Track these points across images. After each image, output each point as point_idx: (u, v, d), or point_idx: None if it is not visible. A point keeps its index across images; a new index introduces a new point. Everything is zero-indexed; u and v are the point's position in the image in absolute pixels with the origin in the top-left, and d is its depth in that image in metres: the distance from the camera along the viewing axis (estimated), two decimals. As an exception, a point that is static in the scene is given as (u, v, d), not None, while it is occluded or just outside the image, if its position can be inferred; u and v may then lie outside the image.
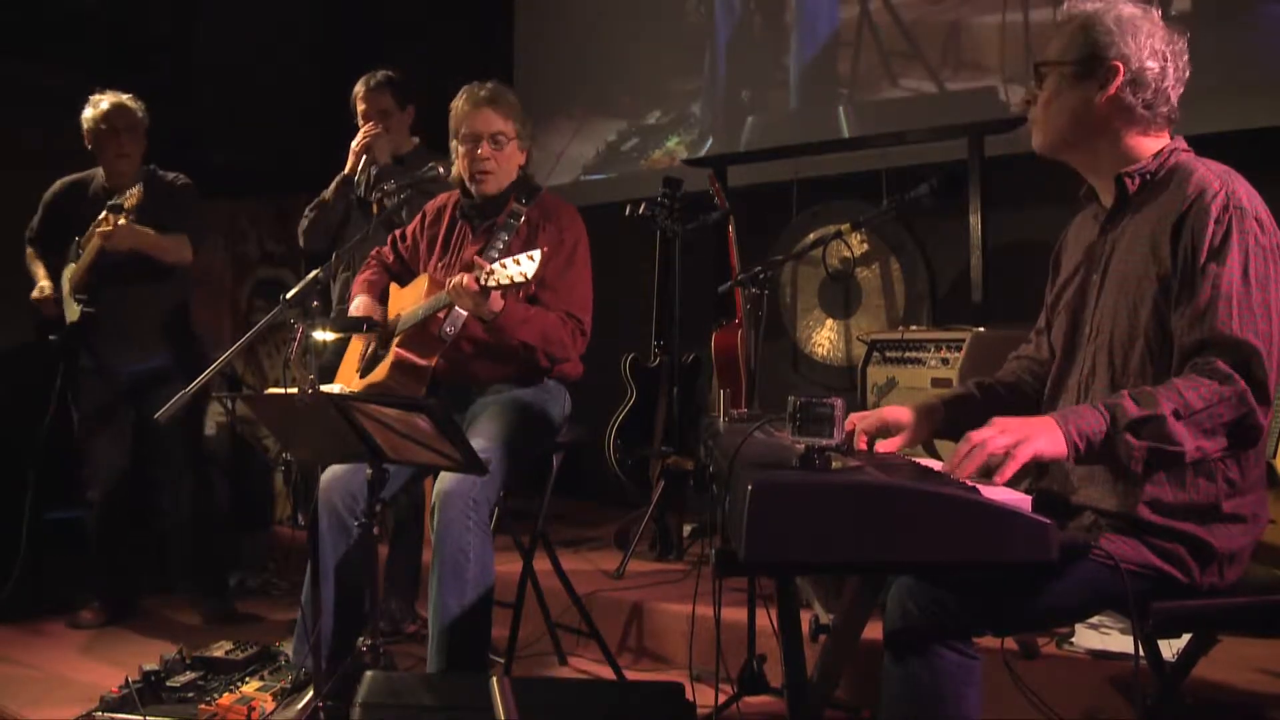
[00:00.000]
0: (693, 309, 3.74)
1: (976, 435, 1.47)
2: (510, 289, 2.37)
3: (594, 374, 2.85)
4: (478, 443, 2.32)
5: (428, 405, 1.95)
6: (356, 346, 2.87)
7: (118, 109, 3.52)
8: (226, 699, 2.48)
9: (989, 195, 3.54)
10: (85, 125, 3.53)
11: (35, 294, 3.59)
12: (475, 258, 2.58)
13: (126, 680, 2.61)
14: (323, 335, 2.43)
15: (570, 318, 2.63)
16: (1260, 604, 1.62)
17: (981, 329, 3.15)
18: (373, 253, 2.96)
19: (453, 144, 2.73)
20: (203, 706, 2.49)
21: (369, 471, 2.21)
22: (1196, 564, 1.58)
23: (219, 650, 2.81)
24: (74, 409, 3.63)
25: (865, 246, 4.00)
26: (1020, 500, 1.34)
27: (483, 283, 2.35)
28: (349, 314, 2.76)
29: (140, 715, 2.48)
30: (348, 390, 2.67)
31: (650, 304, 4.11)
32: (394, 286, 2.87)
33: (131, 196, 3.36)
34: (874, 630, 1.66)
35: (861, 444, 1.84)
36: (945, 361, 3.13)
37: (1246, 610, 1.62)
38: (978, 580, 1.49)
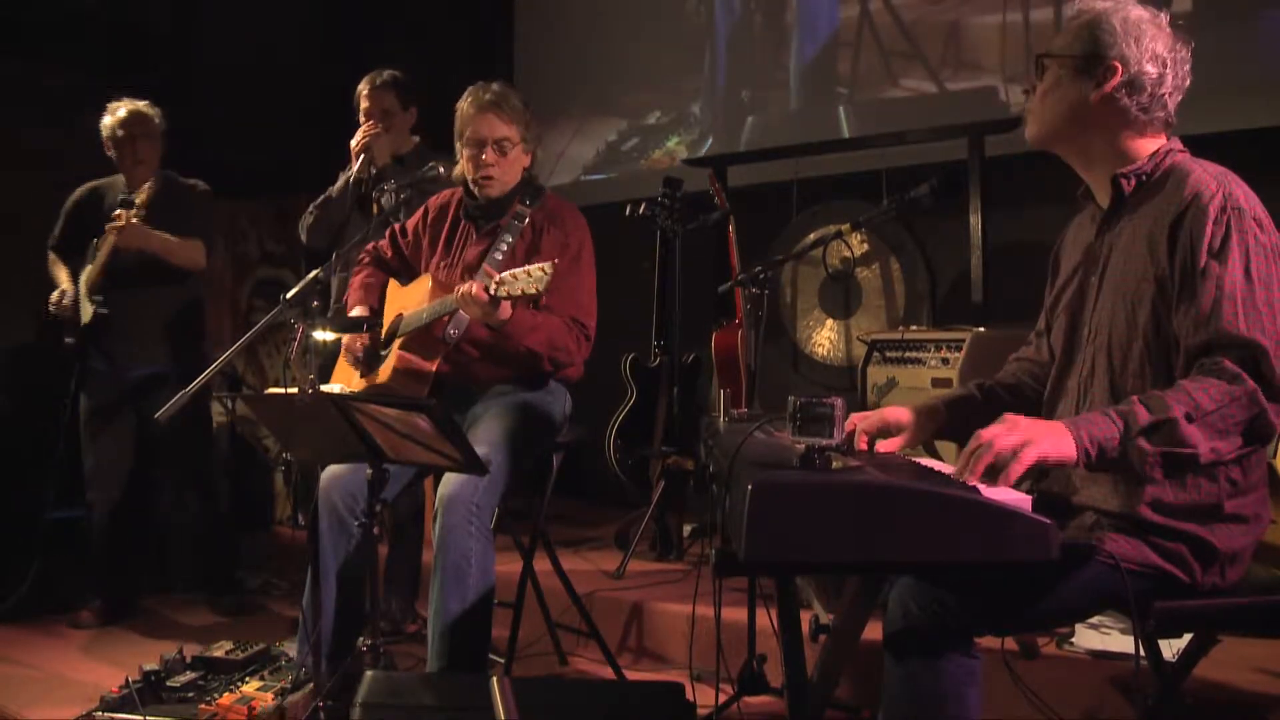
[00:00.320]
0: (693, 309, 3.74)
1: (986, 433, 1.46)
2: (520, 300, 2.36)
3: (594, 374, 2.85)
4: (479, 445, 2.32)
5: (428, 405, 1.95)
6: (349, 348, 2.85)
7: (134, 116, 3.59)
8: (226, 699, 2.48)
9: (989, 195, 3.54)
10: (104, 132, 3.61)
11: (55, 296, 3.63)
12: (485, 266, 2.58)
13: (126, 680, 2.61)
14: (323, 335, 2.43)
15: (575, 323, 2.62)
16: (1261, 604, 1.62)
17: (981, 329, 3.15)
18: (366, 248, 2.93)
19: (458, 144, 2.72)
20: (203, 706, 2.49)
21: (369, 472, 2.22)
22: (1198, 564, 1.58)
23: (219, 650, 2.81)
24: (80, 408, 3.65)
25: (865, 246, 4.00)
26: (1020, 500, 1.34)
27: (493, 292, 2.34)
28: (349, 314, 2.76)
29: (140, 715, 2.48)
30: (348, 390, 2.67)
31: (650, 304, 4.11)
32: (393, 284, 2.86)
33: (143, 192, 3.44)
34: (874, 630, 1.66)
35: (862, 444, 1.84)
36: (945, 361, 3.13)
37: (1247, 610, 1.62)
38: (978, 580, 1.49)
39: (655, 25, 5.08)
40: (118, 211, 3.42)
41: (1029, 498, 1.35)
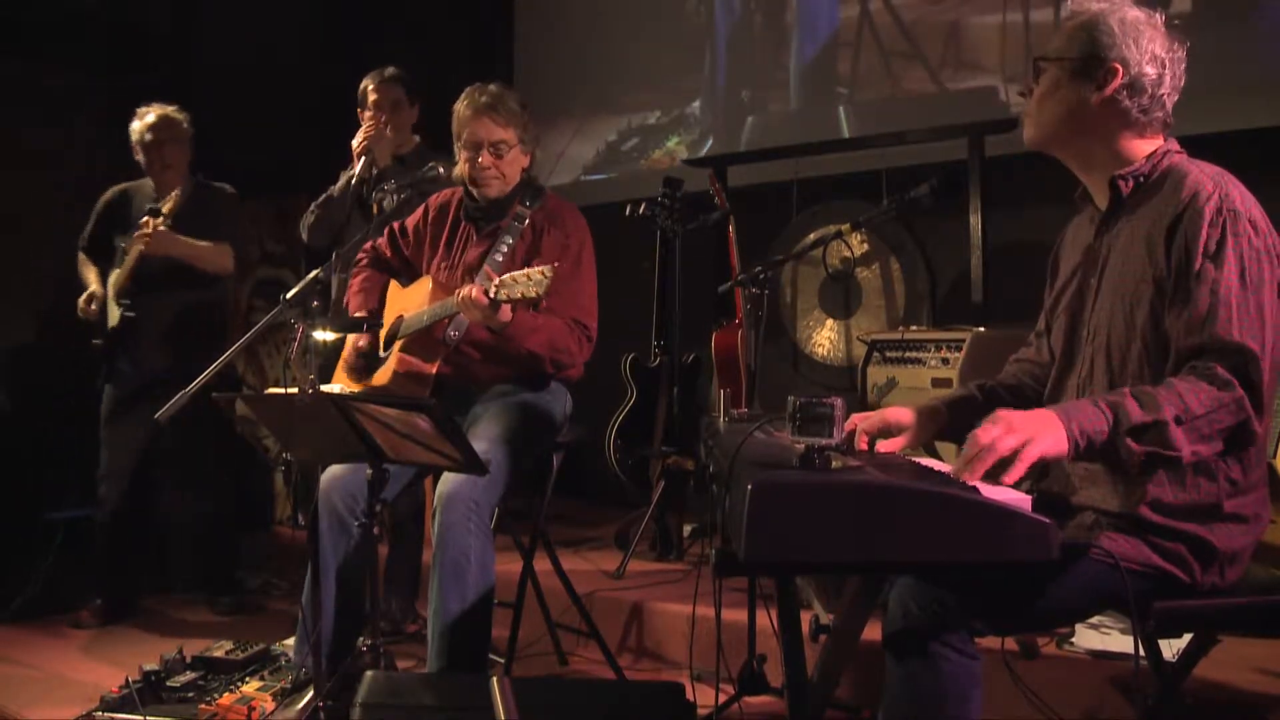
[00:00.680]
0: (693, 309, 3.74)
1: (984, 436, 1.45)
2: (520, 304, 2.36)
3: (594, 374, 2.85)
4: (479, 444, 2.32)
5: (428, 405, 1.95)
6: (350, 349, 2.85)
7: (162, 120, 3.64)
8: (226, 699, 2.48)
9: (989, 195, 3.54)
10: (133, 138, 3.66)
11: (83, 300, 3.66)
12: (485, 269, 2.58)
13: (126, 680, 2.61)
14: (323, 335, 2.43)
15: (576, 324, 2.62)
16: (1260, 604, 1.62)
17: (981, 329, 3.15)
18: (365, 247, 2.93)
19: (455, 146, 2.72)
20: (203, 706, 2.49)
21: (369, 472, 2.22)
22: (1198, 563, 1.58)
23: (219, 650, 2.81)
24: (102, 407, 3.68)
25: (865, 246, 4.00)
26: (1020, 500, 1.34)
27: (492, 295, 2.34)
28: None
29: (140, 715, 2.48)
30: (348, 390, 2.67)
31: (650, 304, 4.11)
32: (394, 286, 2.86)
33: (170, 200, 3.49)
34: (874, 630, 1.66)
35: (862, 444, 1.84)
36: (945, 361, 3.13)
37: (1247, 610, 1.62)
38: (978, 580, 1.49)
39: (655, 25, 5.08)
40: (144, 220, 3.47)
41: (1029, 498, 1.35)
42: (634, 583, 3.32)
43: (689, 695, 2.06)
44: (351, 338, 2.81)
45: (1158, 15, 1.75)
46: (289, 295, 2.38)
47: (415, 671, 2.73)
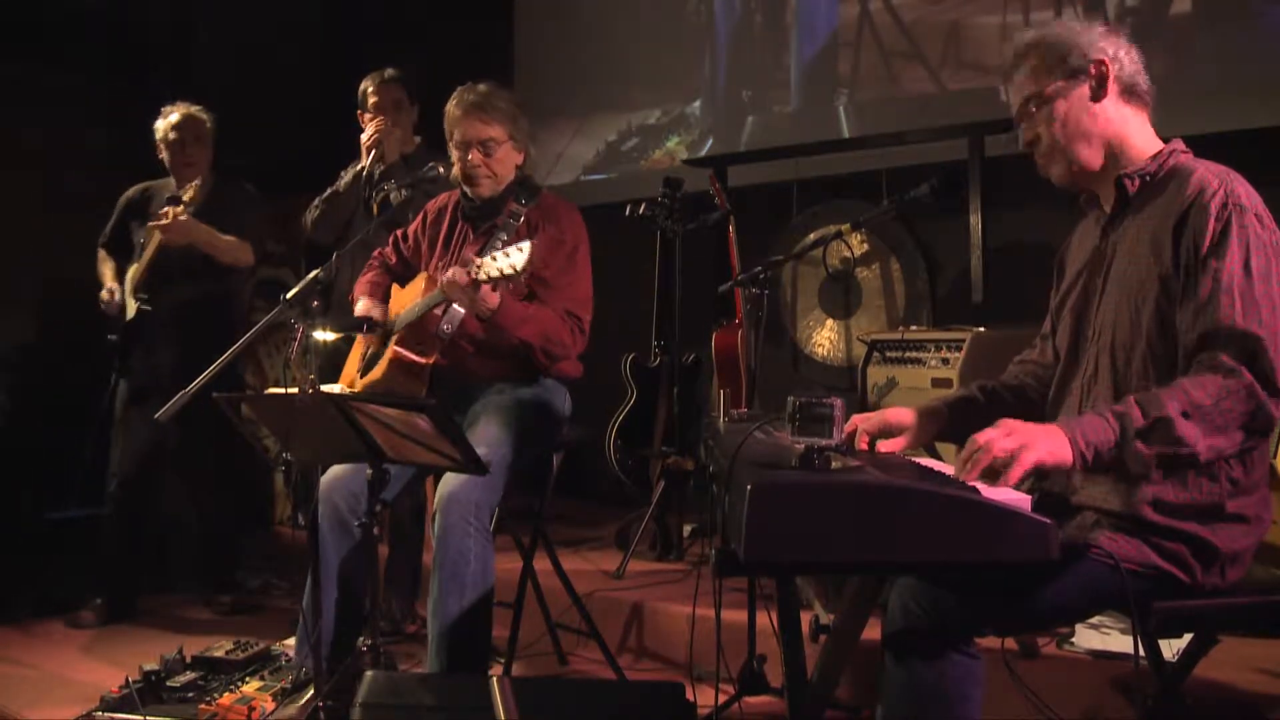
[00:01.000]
0: (693, 309, 3.74)
1: (982, 437, 1.46)
2: (501, 281, 2.37)
3: (594, 374, 2.85)
4: (478, 444, 2.32)
5: (428, 405, 1.95)
6: (360, 347, 2.87)
7: (186, 119, 3.67)
8: (226, 699, 2.48)
9: (989, 195, 3.54)
10: (156, 135, 3.69)
11: (104, 295, 3.67)
12: (465, 252, 2.59)
13: (126, 680, 2.61)
14: (323, 335, 2.43)
15: (570, 316, 2.62)
16: (1261, 604, 1.62)
17: (981, 329, 3.15)
18: (375, 253, 2.96)
19: (449, 146, 2.74)
20: (203, 706, 2.49)
21: (369, 472, 2.21)
22: (1199, 564, 1.58)
23: (219, 650, 2.81)
24: (116, 402, 3.68)
25: (865, 246, 4.00)
26: (1020, 500, 1.34)
27: (473, 275, 2.36)
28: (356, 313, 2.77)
29: (140, 715, 2.48)
30: (348, 390, 2.67)
31: (650, 304, 4.11)
32: (395, 287, 2.87)
33: (191, 189, 3.50)
34: (874, 630, 1.66)
35: (863, 444, 1.84)
36: (945, 361, 3.13)
37: (1247, 610, 1.62)
38: (979, 580, 1.49)
39: (655, 25, 5.08)
40: (165, 209, 3.48)
41: (1029, 498, 1.35)
42: (634, 583, 3.31)
43: (689, 695, 2.06)
44: (359, 346, 2.82)
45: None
46: (289, 295, 2.38)
47: (415, 671, 2.72)
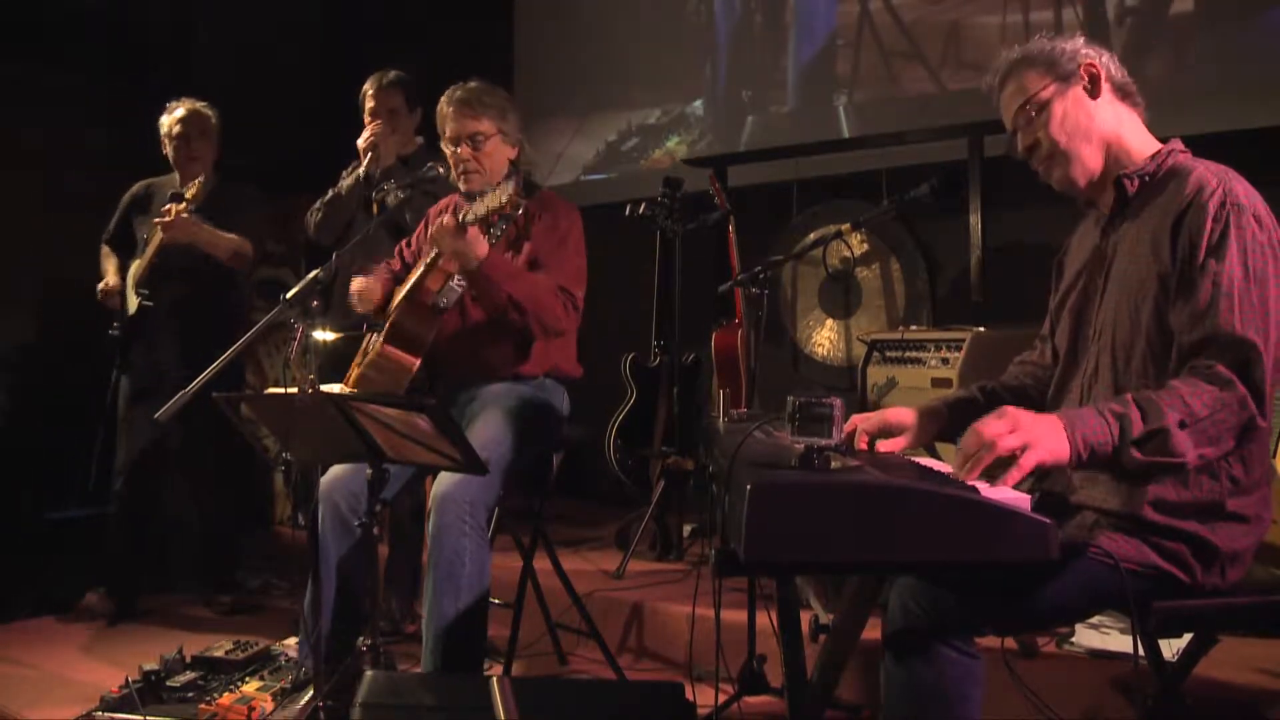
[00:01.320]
0: (693, 309, 3.74)
1: (986, 430, 1.44)
2: (486, 218, 2.41)
3: (594, 374, 2.85)
4: (477, 443, 2.31)
5: (428, 405, 1.95)
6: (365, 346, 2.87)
7: (191, 115, 3.68)
8: (226, 699, 2.48)
9: (989, 195, 3.54)
10: (161, 130, 3.69)
11: (101, 286, 3.69)
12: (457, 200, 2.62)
13: (126, 680, 2.61)
14: (323, 335, 2.43)
15: (562, 290, 2.62)
16: (1261, 604, 1.62)
17: (981, 329, 3.15)
18: (381, 265, 2.97)
19: (442, 145, 2.76)
20: (203, 706, 2.49)
21: (369, 471, 2.21)
22: (1198, 564, 1.58)
23: (219, 650, 2.81)
24: (119, 400, 3.68)
25: (865, 246, 4.00)
26: (1020, 500, 1.34)
27: (460, 218, 2.39)
28: (351, 289, 2.78)
29: (140, 715, 2.48)
30: (347, 390, 2.67)
31: (650, 304, 4.11)
32: (398, 287, 2.87)
33: (194, 186, 3.50)
34: (874, 630, 1.66)
35: (863, 444, 1.84)
36: (945, 361, 3.13)
37: (1247, 610, 1.62)
38: (978, 580, 1.49)
39: (655, 25, 5.08)
40: (167, 206, 3.48)
41: (1029, 497, 1.35)
42: (634, 583, 3.32)
43: (689, 695, 2.06)
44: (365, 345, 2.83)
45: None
46: (289, 295, 2.38)
47: (415, 671, 2.72)
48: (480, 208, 2.38)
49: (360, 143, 3.38)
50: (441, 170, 2.80)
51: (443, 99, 2.72)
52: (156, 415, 2.36)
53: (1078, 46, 1.75)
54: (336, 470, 2.54)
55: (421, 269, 2.59)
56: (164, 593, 3.86)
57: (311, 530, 2.50)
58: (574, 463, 3.09)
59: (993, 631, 1.63)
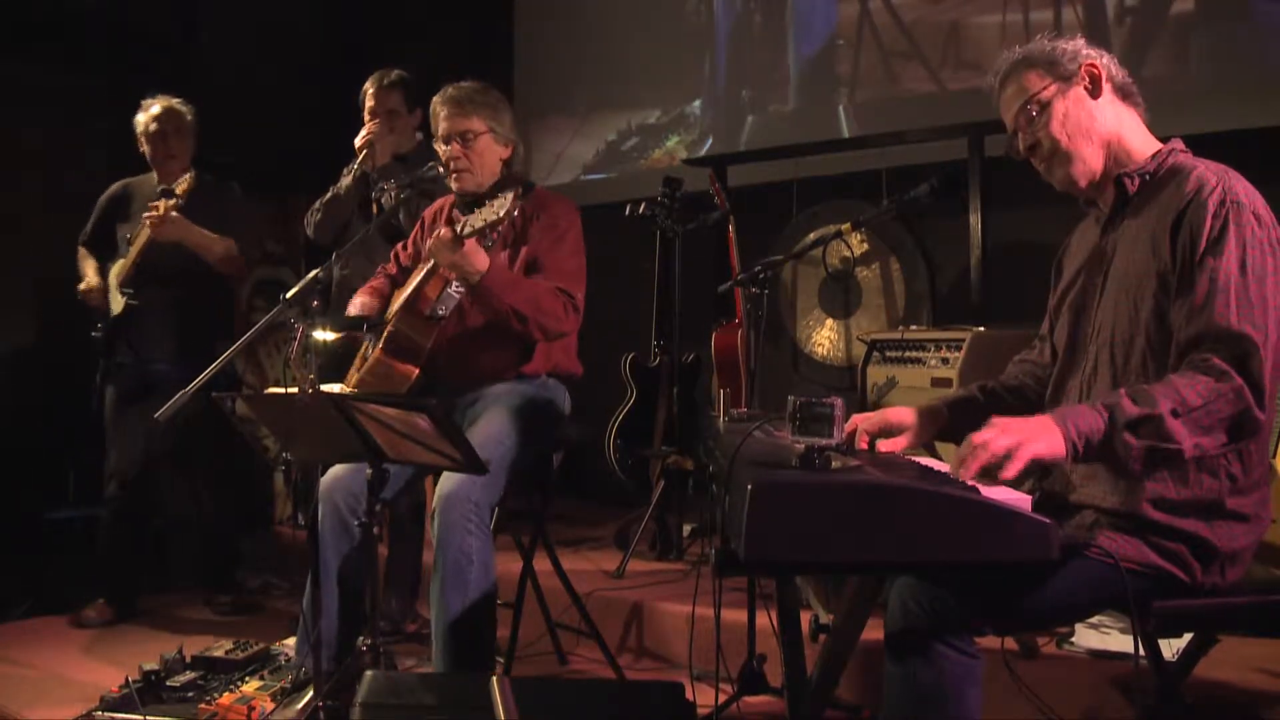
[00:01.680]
0: (693, 309, 3.74)
1: (978, 437, 1.46)
2: (485, 232, 2.40)
3: (594, 374, 2.85)
4: (478, 444, 2.32)
5: (428, 405, 1.95)
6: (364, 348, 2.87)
7: (167, 112, 3.64)
8: (226, 699, 2.48)
9: (989, 195, 3.54)
10: (137, 129, 3.66)
11: (82, 287, 3.65)
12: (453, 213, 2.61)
13: (126, 680, 2.61)
14: (323, 335, 2.43)
15: (562, 292, 2.61)
16: (1261, 604, 1.62)
17: (981, 329, 3.15)
18: (379, 268, 2.97)
19: (436, 145, 2.77)
20: (203, 706, 2.49)
21: (369, 471, 2.22)
22: (1198, 563, 1.58)
23: (219, 650, 2.81)
24: (105, 401, 3.66)
25: (865, 246, 4.00)
26: (1020, 500, 1.35)
27: (458, 231, 2.39)
28: (348, 313, 2.77)
29: (140, 715, 2.48)
30: (347, 390, 2.67)
31: (650, 304, 4.11)
32: (397, 292, 2.87)
33: (184, 182, 3.48)
34: (874, 630, 1.66)
35: (863, 444, 1.84)
36: (945, 361, 3.13)
37: (1247, 610, 1.62)
38: (978, 579, 1.49)
39: (655, 25, 5.08)
40: (156, 202, 3.45)
41: (1029, 497, 1.36)
42: (634, 583, 3.32)
43: (689, 695, 2.06)
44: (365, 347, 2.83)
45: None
46: (289, 295, 2.38)
47: (415, 671, 2.72)
48: (478, 220, 2.36)
49: (357, 141, 3.38)
50: (440, 170, 2.80)
51: (436, 98, 2.73)
52: (156, 415, 2.37)
53: (1079, 47, 1.75)
54: (336, 470, 2.54)
55: (419, 277, 2.59)
56: (164, 593, 3.87)
57: (311, 530, 2.50)
58: (574, 463, 3.09)
59: (993, 631, 1.63)
